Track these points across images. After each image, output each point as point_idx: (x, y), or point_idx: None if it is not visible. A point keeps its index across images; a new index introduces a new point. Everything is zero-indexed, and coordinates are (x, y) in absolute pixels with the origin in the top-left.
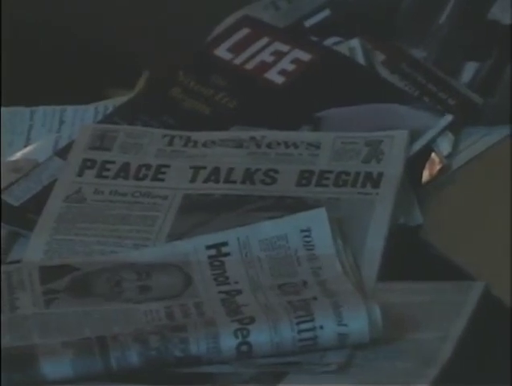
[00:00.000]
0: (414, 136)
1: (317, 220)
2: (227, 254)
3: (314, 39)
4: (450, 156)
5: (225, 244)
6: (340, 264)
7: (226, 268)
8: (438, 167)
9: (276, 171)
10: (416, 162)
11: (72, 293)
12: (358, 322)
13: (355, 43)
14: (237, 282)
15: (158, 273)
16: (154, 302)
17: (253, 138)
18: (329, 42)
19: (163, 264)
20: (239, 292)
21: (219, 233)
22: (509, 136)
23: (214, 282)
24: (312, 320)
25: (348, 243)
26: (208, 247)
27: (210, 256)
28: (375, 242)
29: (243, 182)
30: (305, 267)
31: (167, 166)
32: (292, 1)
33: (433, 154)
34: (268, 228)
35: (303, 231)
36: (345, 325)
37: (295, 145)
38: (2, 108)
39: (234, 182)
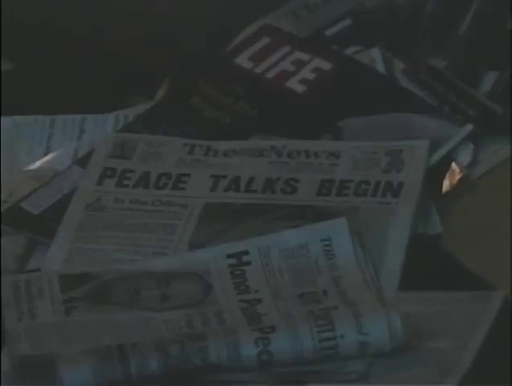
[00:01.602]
0: (434, 146)
1: (338, 230)
2: (248, 263)
3: (334, 48)
4: (470, 166)
5: (245, 253)
6: (360, 273)
7: (247, 277)
8: (458, 177)
9: (296, 180)
10: (436, 171)
11: (92, 302)
12: (378, 331)
13: (375, 52)
14: (257, 291)
15: (178, 281)
16: (173, 311)
17: (273, 147)
18: (350, 51)
19: (183, 272)
20: (259, 301)
21: (240, 242)
22: None
23: (235, 291)
24: (333, 329)
25: (368, 252)
26: (229, 256)
27: (231, 265)
28: (395, 251)
29: (263, 191)
30: (325, 276)
31: (188, 175)
32: (312, 10)
33: (453, 164)
34: (289, 237)
35: (323, 240)
36: (366, 334)
37: (316, 155)
38: (22, 117)
39: (255, 191)
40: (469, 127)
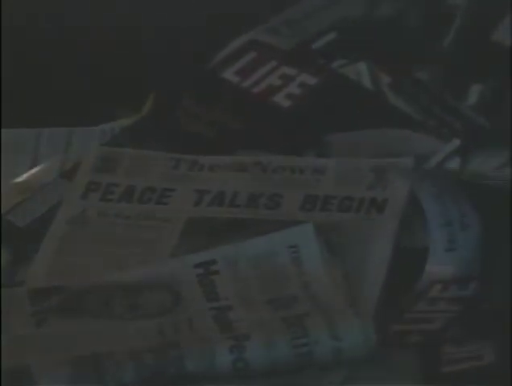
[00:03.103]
0: (420, 161)
1: (304, 236)
2: (216, 272)
3: (321, 62)
4: None
5: (213, 262)
6: (329, 279)
7: (216, 285)
8: None
9: (280, 196)
10: None
11: (63, 313)
12: (352, 337)
13: (361, 65)
14: (227, 299)
15: (147, 291)
16: (145, 320)
17: (258, 163)
18: (336, 64)
19: (152, 283)
20: (230, 308)
21: (207, 251)
22: None
23: (204, 299)
24: (307, 335)
25: (339, 258)
26: (196, 265)
27: (198, 275)
28: (378, 267)
29: (247, 206)
30: (295, 283)
31: (172, 190)
32: (292, 26)
33: None
34: (256, 245)
35: (291, 247)
36: (340, 339)
37: (301, 171)
38: (9, 130)
39: (238, 206)
40: (456, 142)
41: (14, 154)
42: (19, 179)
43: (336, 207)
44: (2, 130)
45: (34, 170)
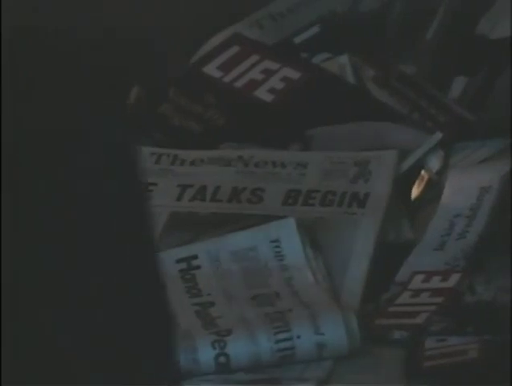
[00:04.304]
0: (404, 154)
1: (286, 230)
2: (197, 267)
3: (304, 56)
4: (440, 172)
5: (194, 257)
6: (311, 273)
7: (198, 281)
8: (428, 183)
9: (263, 190)
10: (406, 178)
11: None
12: (335, 331)
13: (344, 59)
14: (209, 294)
15: None
16: None
17: (240, 157)
18: (319, 58)
19: None
20: (212, 304)
21: (188, 246)
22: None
23: (187, 295)
24: (289, 330)
25: (321, 253)
26: (179, 261)
27: (181, 270)
28: (359, 261)
29: (229, 200)
30: (277, 278)
31: (155, 184)
32: (277, 20)
33: (423, 171)
34: (238, 240)
35: (272, 241)
36: (322, 334)
37: (283, 165)
38: None
39: (220, 200)
40: (439, 135)
41: None
42: None
43: (318, 201)
44: None
45: None
